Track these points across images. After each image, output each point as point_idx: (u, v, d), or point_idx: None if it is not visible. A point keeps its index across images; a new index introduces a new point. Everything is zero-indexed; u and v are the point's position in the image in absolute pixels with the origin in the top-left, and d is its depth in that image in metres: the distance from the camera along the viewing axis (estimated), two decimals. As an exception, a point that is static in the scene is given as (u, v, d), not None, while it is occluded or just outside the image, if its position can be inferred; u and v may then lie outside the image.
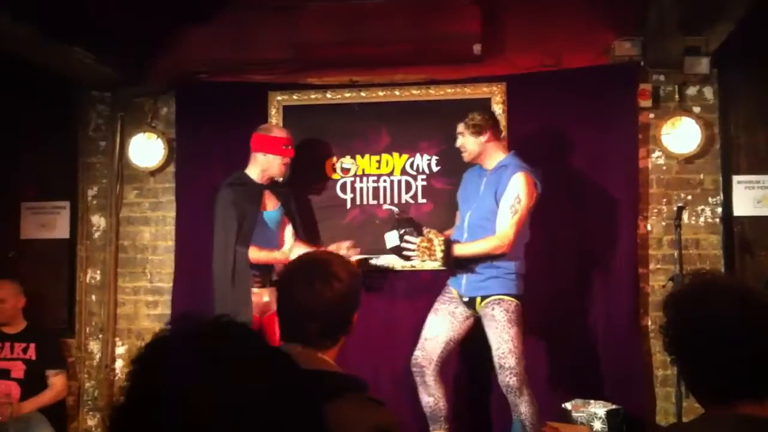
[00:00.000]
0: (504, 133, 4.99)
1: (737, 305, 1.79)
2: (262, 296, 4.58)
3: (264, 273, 4.59)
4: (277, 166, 4.66)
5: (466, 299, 4.40)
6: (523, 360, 4.23)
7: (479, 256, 4.31)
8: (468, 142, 4.47)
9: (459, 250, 4.32)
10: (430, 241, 4.27)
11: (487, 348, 4.31)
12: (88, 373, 5.52)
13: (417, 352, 4.44)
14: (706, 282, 1.95)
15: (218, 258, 4.56)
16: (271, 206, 4.74)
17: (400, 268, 5.06)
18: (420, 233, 4.32)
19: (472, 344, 4.54)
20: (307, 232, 5.04)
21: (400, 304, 5.13)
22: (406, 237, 4.32)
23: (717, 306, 1.80)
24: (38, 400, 5.01)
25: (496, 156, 4.45)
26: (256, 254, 4.51)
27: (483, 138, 4.43)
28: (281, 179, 4.75)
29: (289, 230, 4.88)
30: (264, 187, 4.70)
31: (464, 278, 4.40)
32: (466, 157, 4.54)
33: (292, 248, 4.62)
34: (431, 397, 4.40)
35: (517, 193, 4.27)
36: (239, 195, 4.59)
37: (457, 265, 4.40)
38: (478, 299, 4.33)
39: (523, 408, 4.21)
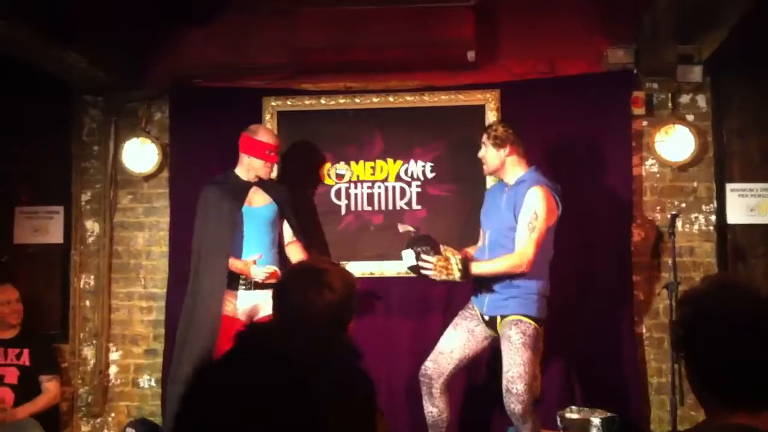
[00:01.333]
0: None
1: (753, 308, 1.80)
2: (249, 300, 4.56)
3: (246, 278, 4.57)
4: (260, 168, 4.66)
5: (486, 318, 4.30)
6: (532, 387, 4.09)
7: (498, 275, 4.20)
8: (489, 154, 4.39)
9: (476, 268, 4.19)
10: (447, 259, 4.14)
11: (497, 366, 4.23)
12: (82, 378, 5.50)
13: (428, 363, 4.36)
14: (723, 283, 1.96)
15: (194, 255, 4.65)
16: (260, 203, 4.70)
17: (396, 275, 5.07)
18: (437, 251, 4.19)
19: (479, 361, 4.52)
20: (307, 235, 5.03)
21: (396, 311, 5.12)
22: (423, 256, 4.18)
23: (732, 306, 1.81)
24: (32, 406, 4.98)
25: (516, 171, 4.35)
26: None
27: (504, 151, 4.34)
28: (267, 178, 4.74)
29: (286, 230, 4.83)
30: (252, 184, 4.70)
31: (486, 297, 4.30)
32: (486, 169, 4.47)
33: (254, 261, 4.51)
34: (435, 408, 4.34)
35: (533, 208, 4.15)
36: (221, 192, 4.65)
37: (478, 284, 4.32)
38: (498, 318, 4.24)
39: None
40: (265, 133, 4.71)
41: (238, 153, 4.70)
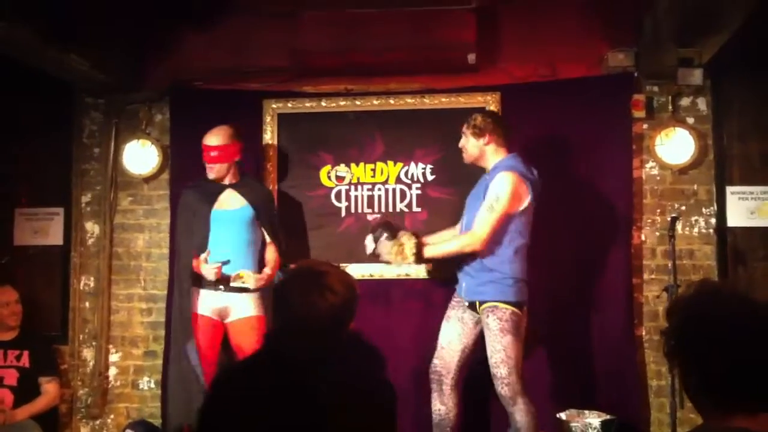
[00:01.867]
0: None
1: (743, 313, 1.79)
2: (218, 300, 4.62)
3: (223, 276, 4.60)
4: (209, 170, 4.73)
5: (467, 303, 4.37)
6: (518, 369, 4.19)
7: (452, 254, 4.35)
8: (469, 144, 4.46)
9: (429, 251, 4.39)
10: (401, 245, 4.35)
11: (484, 352, 4.30)
12: (81, 380, 5.50)
13: (435, 361, 4.43)
14: (713, 289, 1.95)
15: (174, 256, 4.84)
16: (232, 205, 4.70)
17: (396, 277, 5.08)
18: (395, 236, 4.39)
19: (474, 350, 4.52)
20: (295, 237, 5.11)
21: (396, 313, 5.13)
22: (380, 240, 4.40)
23: (723, 313, 1.80)
24: (31, 408, 4.99)
25: (494, 159, 4.42)
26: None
27: (482, 141, 4.41)
28: (218, 180, 4.75)
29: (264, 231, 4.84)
30: (226, 186, 4.73)
31: (464, 283, 4.39)
32: (466, 158, 4.53)
33: (207, 258, 4.60)
34: (444, 405, 4.38)
35: (496, 192, 4.24)
36: (195, 195, 4.76)
37: (458, 271, 4.42)
38: (477, 303, 4.30)
39: (518, 416, 4.19)
40: (212, 134, 4.72)
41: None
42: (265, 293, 4.61)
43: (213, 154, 4.68)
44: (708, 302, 1.85)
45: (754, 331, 1.76)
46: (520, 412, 4.18)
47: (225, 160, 4.71)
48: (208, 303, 4.61)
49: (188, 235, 4.72)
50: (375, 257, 4.51)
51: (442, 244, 4.42)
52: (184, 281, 4.65)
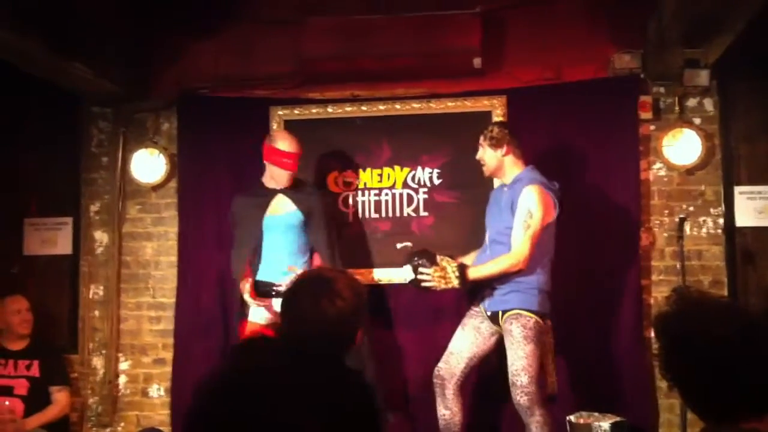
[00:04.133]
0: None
1: (723, 322, 1.78)
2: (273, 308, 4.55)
3: (278, 284, 4.47)
4: (279, 176, 4.64)
5: (489, 314, 4.36)
6: (538, 379, 4.17)
7: (495, 275, 4.25)
8: (487, 155, 4.45)
9: (473, 273, 4.27)
10: (443, 269, 4.26)
11: (504, 362, 4.27)
12: (91, 389, 5.51)
13: (440, 365, 4.42)
14: (690, 301, 1.94)
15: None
16: (282, 210, 4.67)
17: (403, 282, 5.08)
18: (433, 262, 4.29)
19: (489, 358, 4.52)
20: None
21: (403, 318, 5.13)
22: (420, 269, 4.29)
23: (702, 324, 1.80)
24: (42, 417, 5.00)
25: (513, 170, 4.42)
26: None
27: (500, 152, 4.40)
28: (283, 187, 4.68)
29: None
30: (277, 192, 4.68)
31: (487, 294, 4.36)
32: (485, 170, 4.52)
33: (245, 283, 4.53)
34: (448, 410, 4.38)
35: (527, 207, 4.22)
36: (247, 201, 4.70)
37: (480, 282, 4.36)
38: (500, 313, 4.28)
39: (534, 428, 4.16)
40: (284, 139, 4.66)
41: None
42: None
43: (287, 160, 4.61)
44: (687, 318, 1.84)
45: (737, 340, 1.75)
46: (536, 424, 4.16)
47: (296, 168, 4.68)
48: (261, 312, 4.56)
49: (242, 240, 4.69)
50: (415, 285, 4.36)
51: (485, 266, 4.30)
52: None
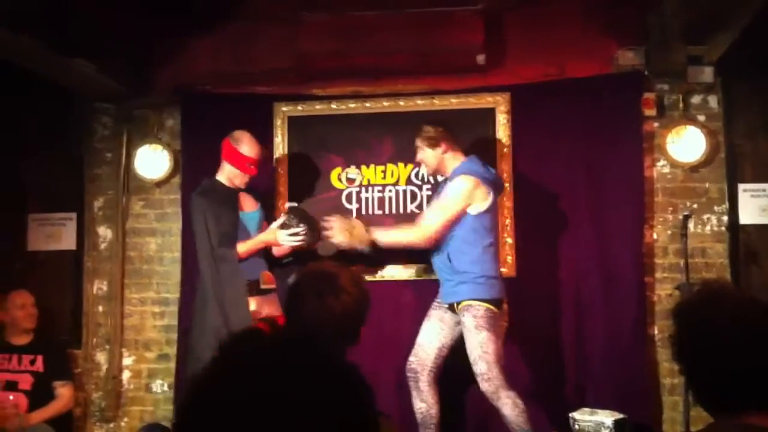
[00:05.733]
0: (509, 143, 5.04)
1: (743, 315, 1.79)
2: (249, 304, 4.51)
3: (250, 281, 4.50)
4: (239, 178, 4.60)
5: (446, 305, 4.45)
6: (498, 364, 4.21)
7: (399, 244, 4.52)
8: (426, 156, 4.54)
9: (379, 235, 4.48)
10: (351, 221, 4.55)
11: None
12: (95, 384, 5.52)
13: (411, 358, 4.50)
14: (714, 292, 1.94)
15: (204, 269, 4.46)
16: (249, 208, 4.66)
17: (408, 279, 5.09)
18: (303, 217, 4.47)
19: (461, 349, 4.51)
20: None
21: (407, 315, 5.12)
22: (284, 222, 4.48)
23: (723, 317, 1.80)
24: (46, 412, 5.00)
25: (453, 164, 4.50)
26: (242, 248, 4.47)
27: (439, 150, 4.50)
28: (243, 187, 4.65)
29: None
30: (240, 190, 4.64)
31: (444, 285, 4.47)
32: (427, 170, 4.68)
33: (276, 228, 4.53)
34: (424, 403, 4.43)
35: (449, 193, 4.37)
36: (211, 201, 4.52)
37: (438, 275, 4.49)
38: (456, 304, 4.37)
39: (506, 410, 4.22)
40: (248, 143, 4.58)
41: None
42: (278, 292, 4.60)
43: (252, 165, 4.57)
44: (708, 308, 1.85)
45: (755, 337, 1.76)
46: (506, 407, 4.22)
47: (257, 172, 4.64)
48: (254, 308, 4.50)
49: (224, 236, 4.47)
50: (285, 241, 4.51)
51: (391, 231, 4.58)
52: (235, 285, 4.42)
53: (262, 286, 4.55)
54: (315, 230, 4.55)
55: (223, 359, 1.07)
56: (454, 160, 4.50)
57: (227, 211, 4.54)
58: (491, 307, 4.29)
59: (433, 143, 4.49)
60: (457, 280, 4.35)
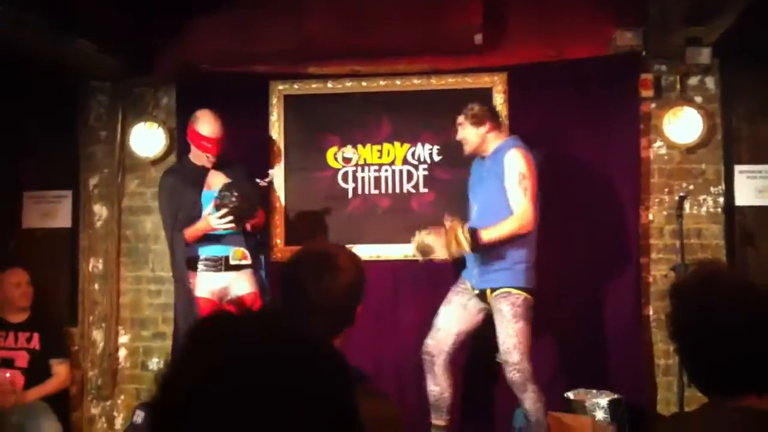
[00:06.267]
0: (505, 123, 5.03)
1: (740, 298, 1.79)
2: (217, 281, 4.55)
3: (219, 257, 4.55)
4: (200, 157, 4.59)
5: (476, 291, 4.38)
6: (529, 355, 4.21)
7: (504, 238, 4.20)
8: (469, 133, 4.46)
9: (486, 235, 4.18)
10: (453, 232, 4.16)
11: (494, 339, 4.30)
12: (91, 362, 5.53)
13: (428, 341, 4.45)
14: (710, 273, 1.95)
15: (169, 249, 4.66)
16: (219, 185, 4.56)
17: (403, 258, 5.09)
18: (239, 192, 4.32)
19: (480, 334, 4.53)
20: (302, 219, 5.14)
21: (404, 294, 5.14)
22: (218, 202, 4.34)
23: (720, 298, 1.80)
24: (42, 389, 5.02)
25: (495, 144, 4.45)
26: (188, 232, 4.51)
27: (483, 129, 4.43)
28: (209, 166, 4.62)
29: None
30: (209, 168, 4.62)
31: (475, 270, 4.37)
32: (467, 148, 4.52)
33: (211, 213, 4.44)
34: (437, 386, 4.42)
35: (518, 170, 4.25)
36: (176, 180, 4.61)
37: (467, 258, 4.37)
38: (488, 291, 4.31)
39: (528, 404, 4.22)
40: (207, 122, 4.55)
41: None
42: (255, 268, 4.64)
43: (208, 144, 4.53)
44: (704, 290, 1.85)
45: (750, 322, 1.76)
46: (529, 400, 4.21)
47: (221, 150, 4.59)
48: (205, 285, 4.54)
49: (180, 219, 4.55)
50: (424, 255, 4.27)
51: (495, 228, 4.20)
52: (180, 260, 4.57)
53: (233, 262, 4.56)
54: (252, 202, 4.43)
55: (191, 349, 1.05)
56: (496, 139, 4.44)
57: (192, 190, 4.59)
58: (528, 296, 4.25)
59: (478, 121, 4.42)
60: (498, 266, 4.26)
